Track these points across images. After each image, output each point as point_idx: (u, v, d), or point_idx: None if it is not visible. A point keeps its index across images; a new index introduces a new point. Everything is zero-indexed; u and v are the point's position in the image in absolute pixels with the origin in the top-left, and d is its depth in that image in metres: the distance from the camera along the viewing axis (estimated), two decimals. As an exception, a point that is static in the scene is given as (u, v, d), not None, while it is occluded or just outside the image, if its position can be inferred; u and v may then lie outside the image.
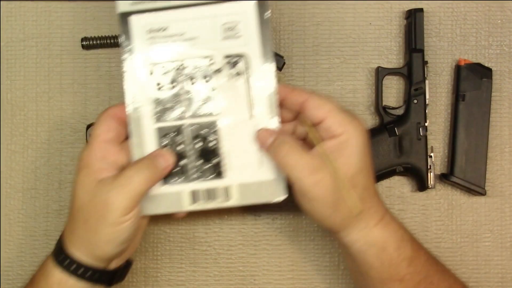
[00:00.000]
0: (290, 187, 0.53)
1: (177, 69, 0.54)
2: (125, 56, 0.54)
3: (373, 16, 0.69)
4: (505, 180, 0.68)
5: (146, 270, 0.68)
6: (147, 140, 0.54)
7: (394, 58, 0.69)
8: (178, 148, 0.54)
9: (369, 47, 0.69)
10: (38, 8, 0.69)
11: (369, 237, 0.53)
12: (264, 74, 0.54)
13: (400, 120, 0.66)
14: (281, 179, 0.54)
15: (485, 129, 0.66)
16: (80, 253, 0.53)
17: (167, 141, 0.54)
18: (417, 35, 0.66)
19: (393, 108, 0.67)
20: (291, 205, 0.68)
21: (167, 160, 0.53)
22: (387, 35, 0.69)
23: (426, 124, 0.66)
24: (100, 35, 0.68)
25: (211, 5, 0.54)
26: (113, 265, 0.56)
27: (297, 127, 0.56)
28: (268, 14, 0.54)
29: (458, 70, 0.67)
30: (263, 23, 0.54)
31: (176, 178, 0.54)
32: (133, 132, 0.54)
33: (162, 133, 0.54)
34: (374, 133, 0.66)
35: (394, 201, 0.68)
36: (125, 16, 0.54)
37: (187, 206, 0.54)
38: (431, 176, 0.66)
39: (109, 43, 0.68)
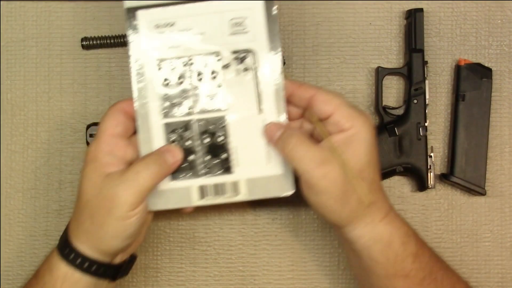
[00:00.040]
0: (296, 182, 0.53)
1: (185, 64, 0.54)
2: (132, 51, 0.54)
3: (373, 16, 0.69)
4: (505, 180, 0.68)
5: (146, 270, 0.68)
6: (154, 136, 0.54)
7: (394, 58, 0.69)
8: (186, 143, 0.54)
9: (369, 47, 0.69)
10: (38, 8, 0.69)
11: (374, 232, 0.53)
12: (271, 70, 0.54)
13: (400, 120, 0.66)
14: (289, 174, 0.54)
15: (485, 129, 0.66)
16: (85, 247, 0.53)
17: (175, 137, 0.54)
18: (417, 35, 0.66)
19: (393, 108, 0.67)
20: (291, 205, 0.69)
21: (175, 156, 0.53)
22: (387, 35, 0.69)
23: (426, 124, 0.66)
24: (100, 35, 0.68)
25: (218, 1, 0.54)
26: (118, 259, 0.56)
27: (303, 125, 0.56)
28: (275, 10, 0.54)
29: (458, 70, 0.67)
30: (271, 19, 0.54)
31: (185, 173, 0.54)
32: (141, 128, 0.54)
33: (170, 128, 0.54)
34: (374, 133, 0.66)
35: (394, 201, 0.68)
36: (132, 11, 0.54)
37: (196, 201, 0.54)
38: (431, 176, 0.66)
39: (109, 43, 0.68)
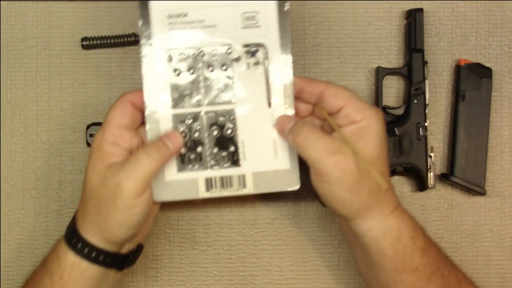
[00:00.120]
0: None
1: (196, 56, 0.54)
2: (143, 41, 0.54)
3: (373, 16, 0.69)
4: (505, 180, 0.68)
5: (146, 270, 0.68)
6: (163, 126, 0.54)
7: (394, 58, 0.69)
8: (195, 135, 0.55)
9: (369, 47, 0.69)
10: (38, 8, 0.69)
11: (384, 226, 0.53)
12: (282, 65, 0.54)
13: (400, 120, 0.66)
14: (296, 169, 0.55)
15: (485, 129, 0.67)
16: (92, 236, 0.53)
17: (183, 128, 0.54)
18: (417, 35, 0.66)
19: (393, 108, 0.67)
20: (291, 205, 0.69)
21: (175, 141, 0.53)
22: (387, 35, 0.69)
23: (426, 124, 0.66)
24: (100, 35, 0.68)
25: None
26: (125, 249, 0.56)
27: (313, 122, 0.57)
28: (288, 6, 0.54)
29: (458, 70, 0.67)
30: (283, 15, 0.54)
31: (192, 165, 0.54)
32: (149, 118, 0.54)
33: (179, 119, 0.54)
34: (374, 133, 0.66)
35: (394, 201, 0.68)
36: (144, 1, 0.54)
37: (203, 193, 0.55)
38: (431, 176, 0.66)
39: (109, 43, 0.68)
